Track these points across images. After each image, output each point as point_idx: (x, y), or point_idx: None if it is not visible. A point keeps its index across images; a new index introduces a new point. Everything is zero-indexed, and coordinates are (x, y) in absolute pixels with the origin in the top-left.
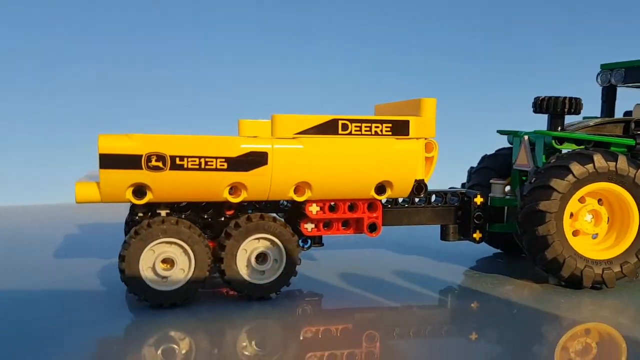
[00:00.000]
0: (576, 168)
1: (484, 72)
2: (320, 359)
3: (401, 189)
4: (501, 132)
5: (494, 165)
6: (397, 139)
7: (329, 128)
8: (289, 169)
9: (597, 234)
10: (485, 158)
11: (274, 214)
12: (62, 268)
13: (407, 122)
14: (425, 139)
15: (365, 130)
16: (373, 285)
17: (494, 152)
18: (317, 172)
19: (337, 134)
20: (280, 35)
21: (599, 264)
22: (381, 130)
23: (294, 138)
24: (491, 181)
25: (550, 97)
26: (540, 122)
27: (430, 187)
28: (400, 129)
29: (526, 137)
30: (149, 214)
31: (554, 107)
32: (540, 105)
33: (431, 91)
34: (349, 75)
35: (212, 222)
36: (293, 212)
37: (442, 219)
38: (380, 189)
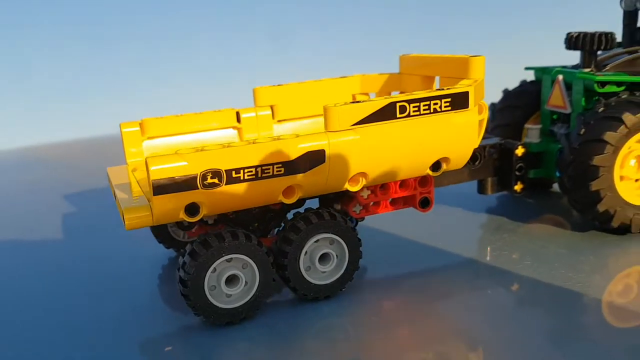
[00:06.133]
0: (628, 118)
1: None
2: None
3: (458, 162)
4: (529, 68)
5: (520, 103)
6: (456, 112)
7: (386, 113)
8: (346, 162)
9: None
10: (509, 94)
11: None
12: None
13: (467, 93)
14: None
15: (424, 110)
16: (408, 250)
17: (518, 86)
18: (374, 161)
19: (395, 118)
20: None
21: None
22: (440, 107)
23: (350, 130)
24: (526, 126)
25: (584, 34)
26: (549, 56)
27: None
28: (460, 101)
29: (561, 76)
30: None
31: (589, 44)
32: (573, 42)
33: (434, 27)
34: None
35: (260, 219)
36: (338, 194)
37: (481, 173)
38: (436, 165)
